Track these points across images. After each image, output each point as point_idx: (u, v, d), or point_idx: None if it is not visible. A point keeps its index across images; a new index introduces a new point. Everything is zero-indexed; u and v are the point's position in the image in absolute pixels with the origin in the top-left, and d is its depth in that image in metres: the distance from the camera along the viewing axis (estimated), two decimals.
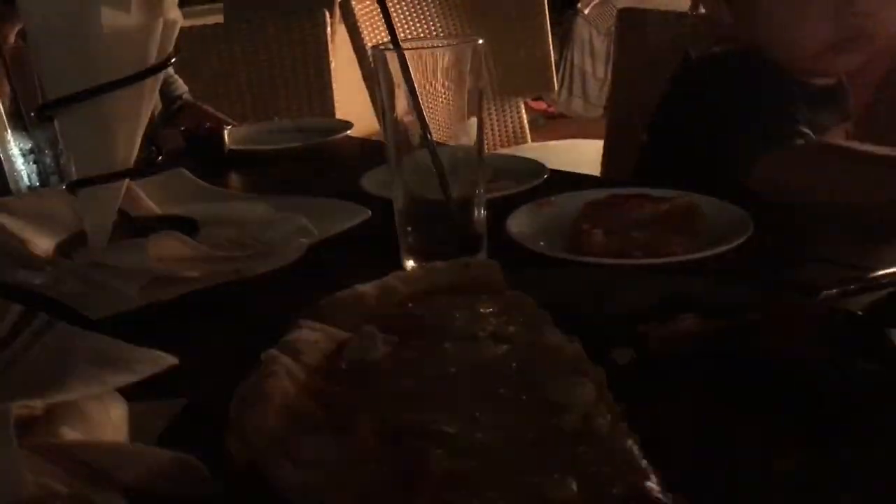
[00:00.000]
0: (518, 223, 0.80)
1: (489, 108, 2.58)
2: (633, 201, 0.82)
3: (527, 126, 2.68)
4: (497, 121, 2.63)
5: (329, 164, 1.23)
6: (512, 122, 2.66)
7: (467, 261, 0.65)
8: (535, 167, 1.02)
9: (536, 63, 2.65)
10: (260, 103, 2.17)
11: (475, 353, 0.49)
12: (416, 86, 0.71)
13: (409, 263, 0.75)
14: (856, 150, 0.82)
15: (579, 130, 3.55)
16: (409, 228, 0.75)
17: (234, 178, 1.18)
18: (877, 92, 1.01)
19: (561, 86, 5.24)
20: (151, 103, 0.82)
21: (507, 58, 2.58)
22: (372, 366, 0.48)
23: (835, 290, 0.58)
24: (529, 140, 2.67)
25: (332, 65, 2.16)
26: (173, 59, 0.80)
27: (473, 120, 0.74)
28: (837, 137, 1.00)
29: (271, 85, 2.18)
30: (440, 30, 2.46)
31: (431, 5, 2.47)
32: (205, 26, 2.27)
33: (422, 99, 0.72)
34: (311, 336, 0.51)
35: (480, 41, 0.72)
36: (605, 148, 1.53)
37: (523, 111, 2.67)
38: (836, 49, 0.90)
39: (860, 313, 0.50)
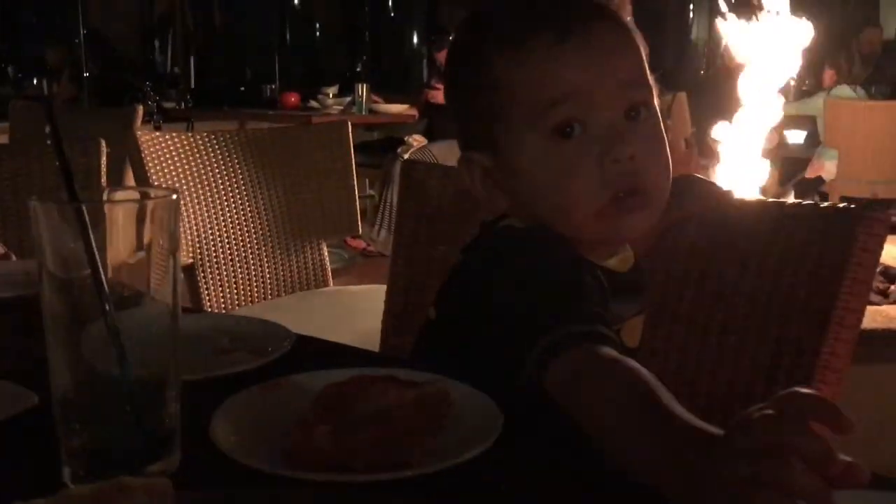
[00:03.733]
0: (228, 417, 0.64)
1: (289, 250, 2.46)
2: (378, 387, 0.69)
3: (328, 268, 2.57)
4: (297, 262, 2.50)
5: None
6: (313, 264, 2.54)
7: (124, 481, 0.48)
8: (278, 333, 0.87)
9: (342, 205, 2.58)
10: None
11: None
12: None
13: (68, 474, 0.57)
14: (656, 398, 0.59)
15: None
16: (75, 425, 0.57)
17: None
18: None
19: (380, 226, 5.27)
20: None
21: (311, 199, 2.50)
22: None
23: None
24: (331, 283, 2.55)
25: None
26: None
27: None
28: (635, 330, 0.92)
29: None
30: (242, 170, 2.34)
31: (231, 144, 2.36)
32: None
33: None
34: None
35: (174, 196, 0.58)
36: (386, 312, 1.38)
37: (325, 252, 2.56)
38: (617, 207, 0.83)
39: None
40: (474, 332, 0.82)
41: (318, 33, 8.74)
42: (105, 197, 0.61)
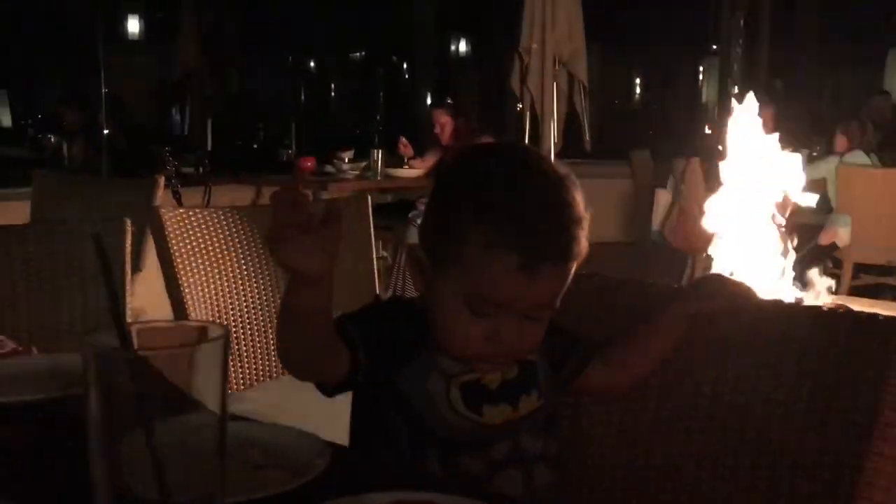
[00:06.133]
0: None
1: None
2: None
3: None
4: None
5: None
6: None
7: None
8: (313, 446, 0.85)
9: (361, 277, 2.58)
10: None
11: None
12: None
13: None
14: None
15: None
16: None
17: None
18: None
19: (393, 290, 5.27)
20: None
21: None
22: None
23: None
24: None
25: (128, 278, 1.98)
26: None
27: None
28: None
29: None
30: (253, 245, 2.35)
31: (250, 218, 2.37)
32: None
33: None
34: None
35: (225, 336, 0.58)
36: None
37: None
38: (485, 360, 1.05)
39: None
40: None
41: (332, 96, 8.89)
42: (155, 339, 0.60)
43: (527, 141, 6.39)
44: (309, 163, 5.52)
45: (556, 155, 6.04)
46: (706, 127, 7.75)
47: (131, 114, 7.57)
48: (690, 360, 1.12)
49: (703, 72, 10.83)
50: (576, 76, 6.15)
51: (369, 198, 2.63)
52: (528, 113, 6.26)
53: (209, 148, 6.67)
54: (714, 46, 8.63)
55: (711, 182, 5.13)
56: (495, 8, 9.00)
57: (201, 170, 5.27)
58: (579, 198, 1.04)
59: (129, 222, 1.99)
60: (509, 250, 0.98)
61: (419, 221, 4.76)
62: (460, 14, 10.20)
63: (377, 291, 2.66)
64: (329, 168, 5.50)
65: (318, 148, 6.67)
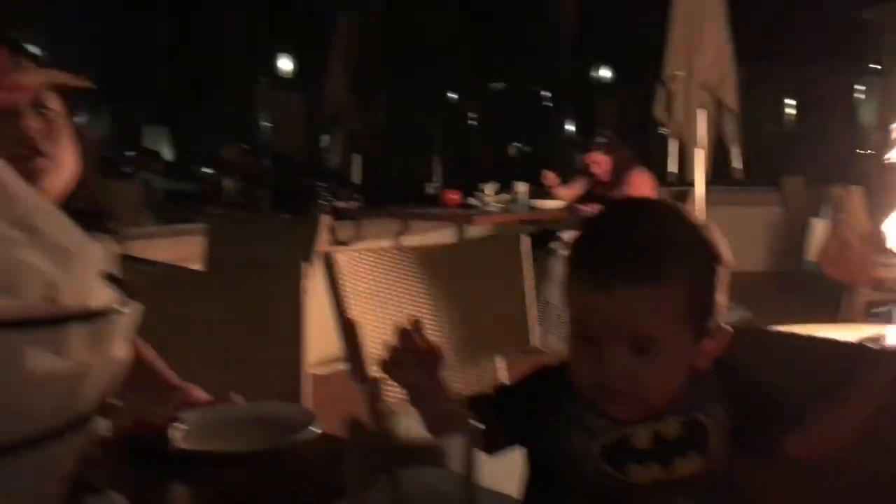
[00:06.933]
0: None
1: (463, 364, 2.49)
2: None
3: (502, 382, 2.58)
4: (472, 376, 2.53)
5: (287, 476, 1.09)
6: (488, 377, 2.56)
7: None
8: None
9: (515, 318, 2.60)
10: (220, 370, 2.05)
11: None
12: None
13: None
14: None
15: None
16: None
17: (179, 488, 1.04)
18: None
19: (545, 328, 5.22)
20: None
21: (484, 314, 2.53)
22: None
23: None
24: None
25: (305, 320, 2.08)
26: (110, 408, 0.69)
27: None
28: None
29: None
30: (417, 285, 2.42)
31: (408, 261, 2.45)
32: (177, 267, 2.21)
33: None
34: None
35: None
36: None
37: (498, 366, 2.58)
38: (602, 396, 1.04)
39: None
40: None
41: (472, 126, 9.03)
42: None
43: (675, 169, 6.27)
44: (454, 196, 5.61)
45: (705, 183, 5.89)
46: (864, 151, 7.34)
47: (284, 148, 7.95)
48: (877, 426, 1.07)
49: (859, 92, 10.27)
50: (724, 102, 6.00)
51: (526, 240, 2.65)
52: (673, 141, 6.15)
53: (357, 181, 6.92)
54: (872, 65, 8.19)
55: (875, 211, 4.86)
56: (635, 34, 8.89)
57: (353, 204, 5.47)
58: (688, 231, 1.03)
59: (304, 266, 2.09)
60: (584, 264, 1.02)
61: (562, 252, 4.74)
62: (599, 41, 10.15)
63: (531, 333, 2.66)
64: (473, 201, 5.58)
65: (460, 178, 6.78)
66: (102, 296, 0.71)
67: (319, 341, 2.43)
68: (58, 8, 9.89)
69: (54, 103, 1.21)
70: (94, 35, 10.62)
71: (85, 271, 0.72)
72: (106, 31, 10.86)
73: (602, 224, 1.08)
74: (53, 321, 0.66)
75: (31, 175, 1.10)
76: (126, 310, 0.71)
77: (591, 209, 4.97)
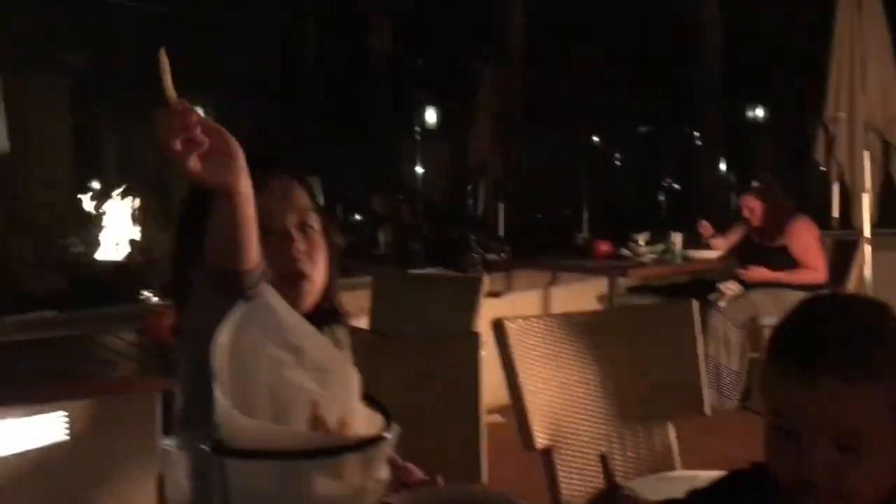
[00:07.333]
0: None
1: (636, 431, 2.47)
2: None
3: (675, 449, 2.53)
4: (643, 443, 2.50)
5: None
6: (660, 445, 2.52)
7: None
8: None
9: (685, 385, 2.55)
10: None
11: None
12: None
13: None
14: None
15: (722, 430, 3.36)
16: None
17: None
18: None
19: (717, 390, 5.03)
20: None
21: (654, 379, 2.50)
22: None
23: None
24: (678, 466, 2.50)
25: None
26: None
27: None
28: None
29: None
30: (587, 350, 2.43)
31: (577, 327, 2.46)
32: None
33: None
34: None
35: None
36: None
37: (671, 433, 2.53)
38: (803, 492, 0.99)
39: None
40: None
41: (618, 171, 8.96)
42: None
43: (837, 213, 5.99)
44: (605, 247, 5.54)
45: (871, 227, 5.61)
46: None
47: (431, 198, 8.15)
48: None
49: None
50: (892, 143, 5.71)
51: (695, 305, 2.60)
52: (836, 184, 5.89)
53: (502, 232, 6.99)
54: None
55: None
56: (790, 73, 8.62)
57: (502, 255, 5.52)
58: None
59: (480, 339, 2.15)
60: (788, 354, 1.00)
61: (721, 304, 4.56)
62: (749, 80, 9.89)
63: (706, 404, 2.59)
64: (625, 252, 5.50)
65: (607, 223, 6.72)
66: (370, 423, 0.77)
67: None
68: (222, 69, 10.52)
69: (316, 223, 1.29)
70: (251, 90, 11.23)
71: (344, 391, 0.79)
72: (262, 86, 11.47)
73: (808, 313, 1.06)
74: (335, 451, 0.73)
75: (295, 297, 1.16)
76: (390, 435, 0.77)
77: (754, 273, 4.81)
